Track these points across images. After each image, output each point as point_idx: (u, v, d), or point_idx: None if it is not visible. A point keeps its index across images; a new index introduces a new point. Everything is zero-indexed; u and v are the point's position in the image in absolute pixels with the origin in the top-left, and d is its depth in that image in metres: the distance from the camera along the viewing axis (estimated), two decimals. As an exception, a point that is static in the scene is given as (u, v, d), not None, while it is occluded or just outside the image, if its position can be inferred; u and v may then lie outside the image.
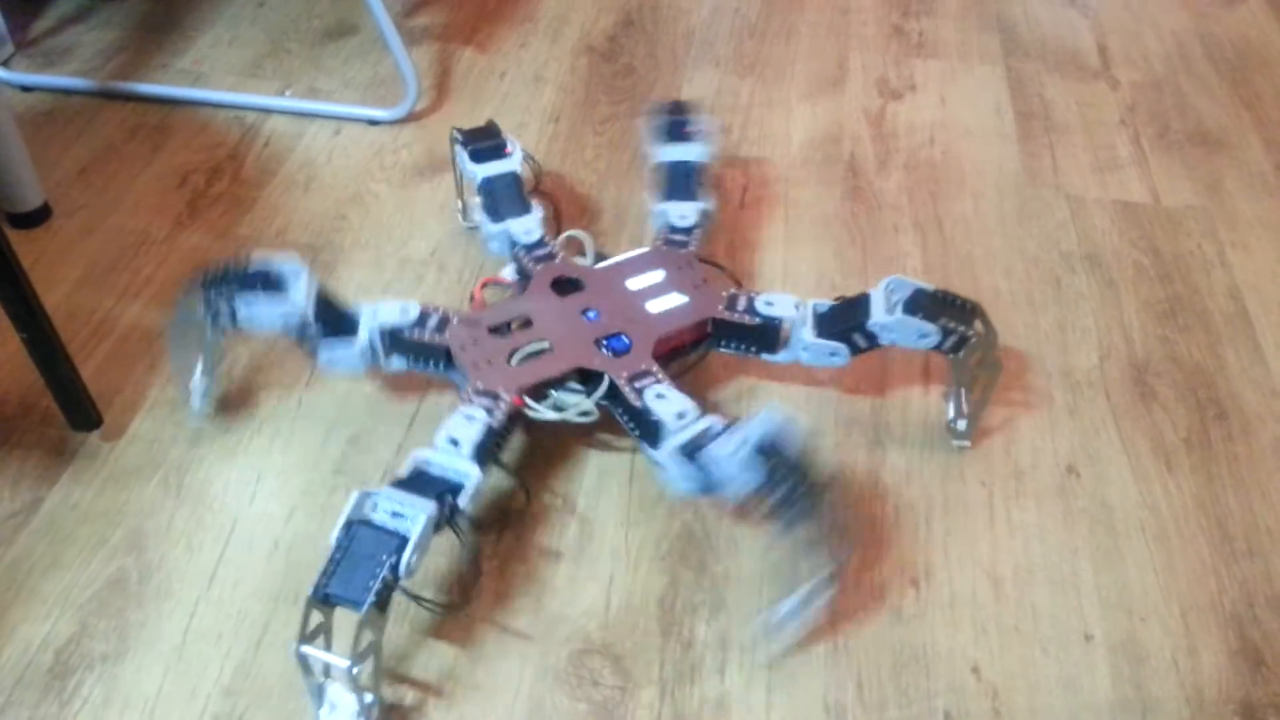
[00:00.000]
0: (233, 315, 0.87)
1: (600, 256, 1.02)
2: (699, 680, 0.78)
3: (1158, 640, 0.81)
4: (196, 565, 0.84)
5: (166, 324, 0.91)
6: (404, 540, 0.71)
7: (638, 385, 0.85)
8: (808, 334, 0.89)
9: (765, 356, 0.93)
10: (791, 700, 0.77)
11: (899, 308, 0.86)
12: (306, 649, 0.68)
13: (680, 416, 0.81)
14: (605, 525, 0.87)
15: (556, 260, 0.97)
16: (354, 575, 0.69)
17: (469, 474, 0.77)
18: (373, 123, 1.28)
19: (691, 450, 0.79)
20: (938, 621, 0.82)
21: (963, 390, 0.91)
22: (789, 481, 0.74)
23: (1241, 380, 1.01)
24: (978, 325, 0.87)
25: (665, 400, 0.83)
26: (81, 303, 1.05)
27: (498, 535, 0.86)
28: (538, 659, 0.79)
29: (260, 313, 0.87)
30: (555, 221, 1.03)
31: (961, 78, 1.39)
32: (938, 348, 0.88)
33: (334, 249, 1.11)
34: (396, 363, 0.91)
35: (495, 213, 1.01)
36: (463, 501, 0.76)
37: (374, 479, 0.90)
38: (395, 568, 0.70)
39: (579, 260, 1.00)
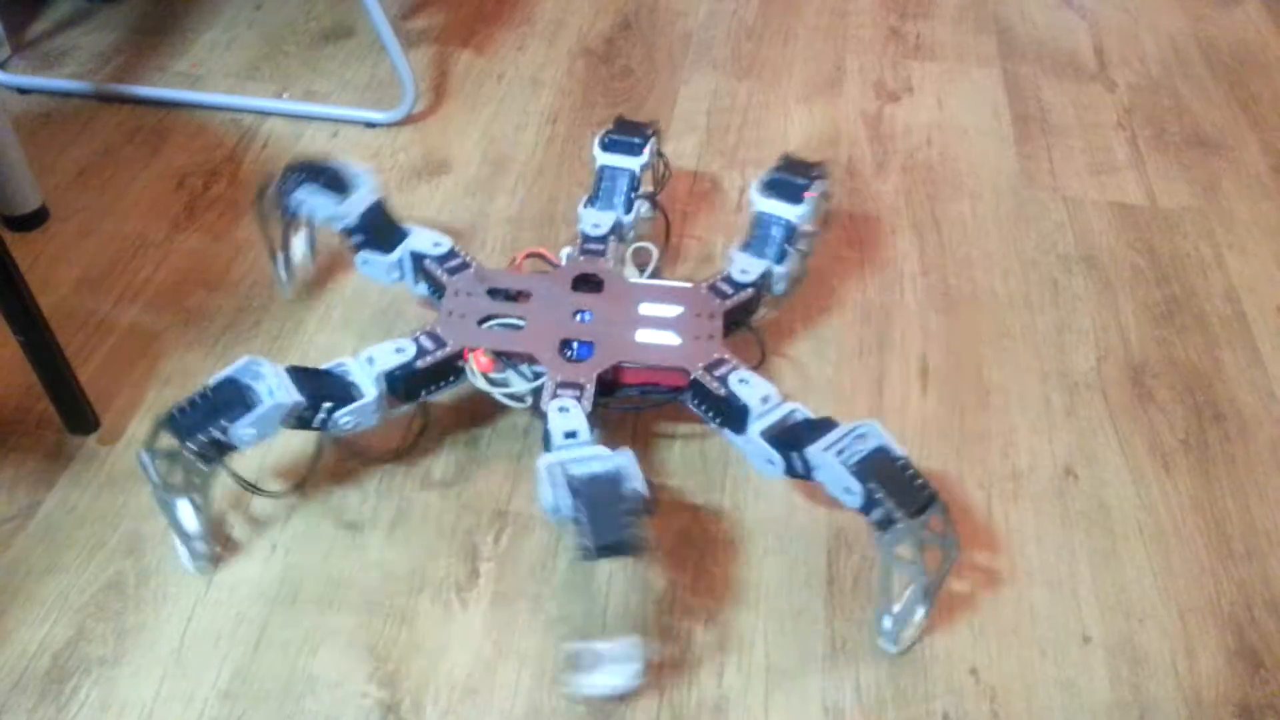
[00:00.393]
0: (295, 203, 0.98)
1: (656, 275, 1.02)
2: (697, 683, 0.78)
3: (1156, 642, 0.82)
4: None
5: (255, 205, 1.00)
6: (249, 410, 0.77)
7: (558, 393, 0.84)
8: (755, 431, 0.82)
9: (727, 432, 0.86)
10: (789, 702, 0.77)
11: (845, 456, 0.77)
12: (146, 455, 0.77)
13: (568, 435, 0.80)
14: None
15: (599, 259, 0.97)
16: (201, 418, 0.77)
17: (366, 392, 0.82)
18: (370, 125, 1.28)
19: (561, 470, 0.77)
20: (936, 623, 0.82)
21: (890, 581, 0.77)
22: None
23: (1239, 382, 1.01)
24: (922, 517, 0.73)
25: (565, 415, 0.82)
26: (79, 305, 1.04)
27: (496, 537, 0.86)
28: (535, 661, 0.79)
29: (317, 208, 0.97)
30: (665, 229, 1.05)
31: (959, 80, 1.40)
32: (861, 511, 0.76)
33: (333, 250, 1.11)
34: (421, 288, 0.98)
35: (593, 199, 1.04)
36: (344, 414, 0.81)
37: (371, 481, 0.90)
38: (227, 430, 0.76)
39: (628, 270, 1.00)
